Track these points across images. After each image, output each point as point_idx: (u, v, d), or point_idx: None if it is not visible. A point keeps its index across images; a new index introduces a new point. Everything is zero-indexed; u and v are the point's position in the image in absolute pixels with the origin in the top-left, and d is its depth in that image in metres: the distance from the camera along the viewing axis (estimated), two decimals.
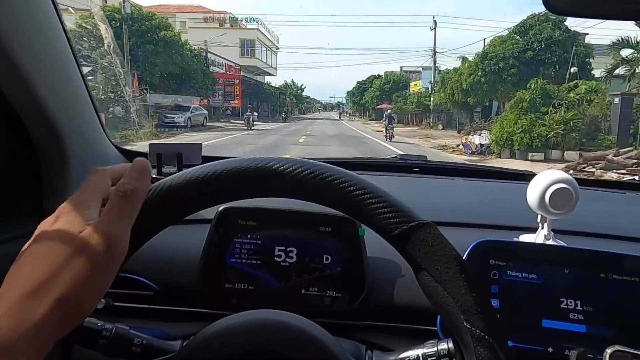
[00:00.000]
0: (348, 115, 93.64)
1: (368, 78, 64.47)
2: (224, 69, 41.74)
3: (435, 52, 34.31)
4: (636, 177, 1.31)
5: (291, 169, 0.42)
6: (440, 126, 31.98)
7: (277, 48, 66.92)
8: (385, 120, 21.60)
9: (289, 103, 77.93)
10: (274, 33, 63.36)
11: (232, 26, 52.56)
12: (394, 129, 21.06)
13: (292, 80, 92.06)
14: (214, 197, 0.44)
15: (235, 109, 38.75)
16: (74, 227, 0.39)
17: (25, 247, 0.41)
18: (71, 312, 0.37)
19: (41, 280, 0.36)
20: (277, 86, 68.48)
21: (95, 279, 0.38)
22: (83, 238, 0.39)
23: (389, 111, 23.20)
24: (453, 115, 30.89)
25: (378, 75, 60.12)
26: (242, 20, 54.13)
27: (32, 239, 0.41)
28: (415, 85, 42.92)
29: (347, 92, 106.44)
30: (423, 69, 42.51)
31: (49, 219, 0.42)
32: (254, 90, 47.83)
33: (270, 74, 66.09)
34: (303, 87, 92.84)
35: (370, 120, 54.28)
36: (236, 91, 38.89)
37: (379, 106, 46.86)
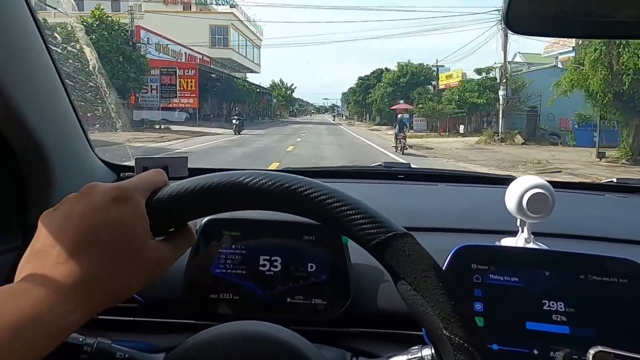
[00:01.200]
0: (344, 118, 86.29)
1: (374, 72, 49.94)
2: (183, 58, 33.20)
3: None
4: (614, 179, 1.32)
5: (272, 184, 0.43)
6: (518, 138, 19.35)
7: (260, 40, 56.91)
8: (395, 127, 16.95)
9: (275, 105, 71.97)
10: (256, 24, 53.82)
11: (200, 10, 43.04)
12: (407, 137, 16.81)
13: (281, 80, 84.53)
14: (196, 212, 0.45)
15: (196, 111, 28.85)
16: (138, 227, 0.41)
17: (78, 213, 0.40)
18: (108, 303, 0.39)
19: (103, 270, 0.38)
20: (259, 84, 55.27)
21: (138, 284, 0.41)
22: (150, 252, 0.41)
23: (402, 115, 18.66)
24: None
25: (387, 68, 46.19)
26: (212, 3, 44.19)
27: (94, 208, 0.40)
28: (450, 76, 30.71)
29: (343, 94, 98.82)
30: (438, 66, 33.60)
31: (102, 194, 0.41)
32: (225, 88, 36.24)
33: (252, 71, 56.08)
34: (293, 87, 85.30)
35: (377, 125, 42.30)
36: (191, 86, 27.54)
37: (394, 107, 32.96)
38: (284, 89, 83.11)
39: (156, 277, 0.42)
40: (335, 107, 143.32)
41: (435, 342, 0.43)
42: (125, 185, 0.42)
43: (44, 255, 0.38)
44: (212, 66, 36.60)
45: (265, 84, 71.62)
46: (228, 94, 36.97)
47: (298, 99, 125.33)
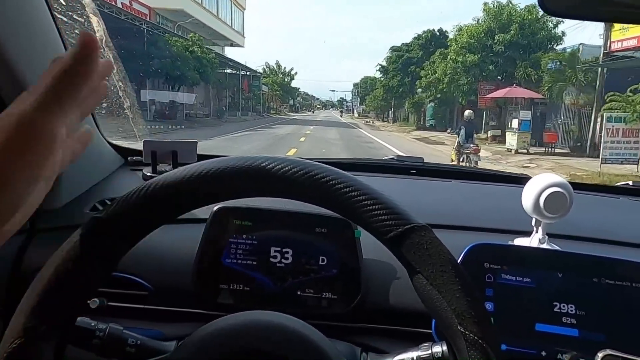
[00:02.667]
0: (356, 115, 72.84)
1: (420, 37, 30.54)
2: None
3: None
4: (630, 183, 1.31)
5: (285, 168, 0.42)
6: None
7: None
8: (458, 133, 10.71)
9: (269, 95, 56.58)
10: None
11: None
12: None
13: (278, 63, 68.47)
14: (208, 196, 0.44)
15: None
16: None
17: None
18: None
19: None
20: (244, 64, 38.64)
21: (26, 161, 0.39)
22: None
23: (470, 113, 11.09)
24: None
25: (444, 31, 28.25)
26: None
27: None
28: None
29: (355, 85, 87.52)
30: None
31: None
32: (165, 59, 20.61)
33: (231, 42, 39.56)
34: (293, 72, 69.82)
35: (419, 129, 27.55)
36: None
37: (493, 95, 18.44)
38: (280, 75, 66.87)
39: (45, 140, 0.39)
40: (344, 102, 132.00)
41: (449, 338, 0.42)
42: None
43: None
44: (150, 20, 22.73)
45: (254, 64, 59.06)
46: (174, 71, 21.25)
47: (300, 91, 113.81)
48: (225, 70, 33.35)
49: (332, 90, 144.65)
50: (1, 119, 0.38)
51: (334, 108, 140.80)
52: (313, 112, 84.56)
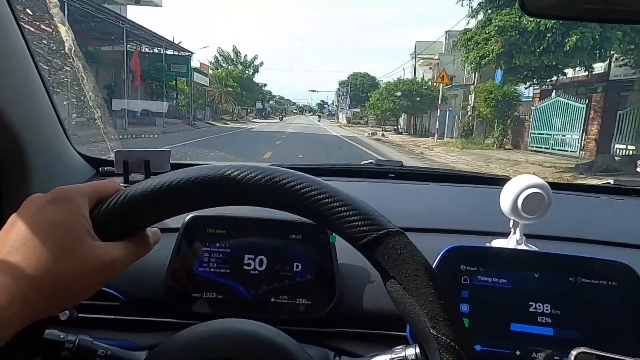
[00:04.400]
0: (344, 121, 57.65)
1: None
2: None
3: None
4: (610, 181, 1.31)
5: (256, 177, 0.42)
6: None
7: None
8: None
9: (216, 94, 38.87)
10: None
11: None
12: None
13: (236, 50, 47.73)
14: (178, 206, 0.44)
15: None
16: (77, 226, 0.40)
17: (11, 222, 0.41)
18: (51, 305, 0.39)
19: (39, 268, 0.37)
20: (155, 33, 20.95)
21: (85, 287, 0.40)
22: (91, 251, 0.40)
23: None
24: None
25: None
26: None
27: (30, 211, 0.41)
28: None
29: (341, 83, 68.38)
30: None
31: (36, 200, 0.42)
32: None
33: None
34: (255, 62, 47.63)
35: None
36: None
37: None
38: (239, 66, 47.53)
39: (104, 280, 0.41)
40: (325, 105, 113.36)
41: (422, 341, 0.42)
42: (64, 187, 0.42)
43: None
44: None
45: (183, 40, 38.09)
46: None
47: (273, 94, 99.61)
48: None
49: (312, 91, 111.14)
50: (89, 251, 0.40)
51: (312, 113, 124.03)
52: (281, 120, 62.17)
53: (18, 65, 0.77)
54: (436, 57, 31.94)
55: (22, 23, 0.79)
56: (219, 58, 49.58)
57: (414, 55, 40.62)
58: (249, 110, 63.11)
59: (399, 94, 28.41)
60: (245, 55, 51.06)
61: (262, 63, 51.38)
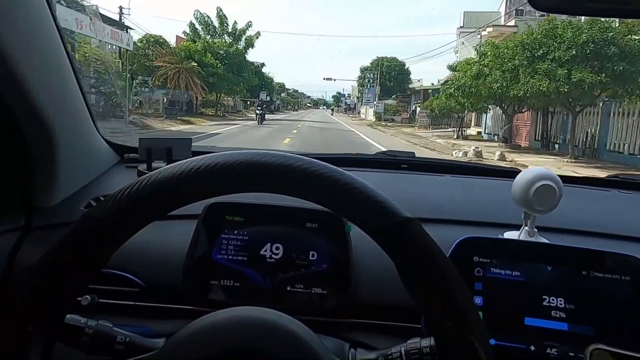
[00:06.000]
0: (372, 117, 41.50)
1: None
2: None
3: None
4: (619, 175, 1.32)
5: (278, 163, 0.42)
6: None
7: None
8: None
9: (187, 78, 24.60)
10: None
11: None
12: None
13: (220, 14, 33.38)
14: (196, 193, 0.44)
15: None
16: None
17: None
18: None
19: None
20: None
21: None
22: None
23: None
24: None
25: None
26: None
27: None
28: None
29: (362, 70, 53.98)
30: None
31: None
32: None
33: None
34: (251, 33, 33.86)
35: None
36: None
37: None
38: (225, 37, 33.44)
39: None
40: (342, 97, 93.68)
41: (437, 332, 0.42)
42: None
43: None
44: None
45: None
46: None
47: (288, 88, 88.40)
48: None
49: (328, 79, 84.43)
50: None
51: (327, 107, 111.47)
52: (297, 114, 54.05)
53: (52, 55, 0.80)
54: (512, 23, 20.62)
55: (58, 21, 0.81)
56: (198, 27, 33.60)
57: (462, 30, 31.70)
58: (248, 102, 49.55)
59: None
60: (235, 22, 34.59)
61: (258, 34, 34.12)
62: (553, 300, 0.67)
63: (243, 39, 34.72)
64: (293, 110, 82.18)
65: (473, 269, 0.69)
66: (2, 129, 0.78)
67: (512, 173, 1.16)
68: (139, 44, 25.94)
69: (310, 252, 0.76)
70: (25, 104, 0.74)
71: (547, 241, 0.75)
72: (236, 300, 0.68)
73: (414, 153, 1.36)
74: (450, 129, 24.75)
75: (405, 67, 50.48)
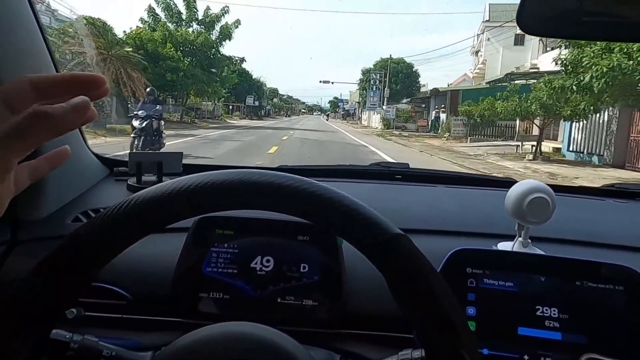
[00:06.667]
0: (379, 124, 35.93)
1: None
2: None
3: None
4: (614, 185, 1.31)
5: (267, 182, 0.43)
6: None
7: None
8: None
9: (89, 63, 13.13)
10: None
11: None
12: None
13: (190, 1, 25.84)
14: (185, 213, 0.44)
15: None
16: None
17: None
18: None
19: None
20: None
21: None
22: None
23: None
24: None
25: None
26: None
27: None
28: None
29: (364, 72, 47.88)
30: None
31: None
32: None
33: None
34: (227, 21, 26.77)
35: None
36: None
37: None
38: (194, 25, 26.32)
39: None
40: (340, 103, 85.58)
41: (427, 345, 0.42)
42: None
43: None
44: None
45: None
46: None
47: (282, 94, 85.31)
48: None
49: (325, 82, 72.44)
50: None
51: (321, 113, 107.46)
52: (289, 120, 51.30)
53: (39, 69, 0.80)
54: None
55: (47, 35, 0.81)
56: (160, 14, 26.02)
57: (488, 24, 29.96)
58: (231, 107, 46.00)
59: None
60: (207, 8, 27.51)
61: (237, 22, 27.30)
62: (547, 310, 0.67)
63: (217, 27, 27.43)
64: (285, 116, 76.17)
65: (466, 280, 0.69)
66: None
67: (505, 183, 1.19)
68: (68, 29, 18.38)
69: (302, 265, 0.75)
70: None
71: (541, 252, 0.76)
72: (225, 313, 0.70)
73: (408, 164, 1.35)
74: (499, 142, 17.56)
75: (414, 70, 45.76)
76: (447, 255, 0.69)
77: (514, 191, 0.74)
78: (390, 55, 43.24)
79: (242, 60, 34.22)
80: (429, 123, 29.67)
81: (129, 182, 1.07)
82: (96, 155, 1.12)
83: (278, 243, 0.77)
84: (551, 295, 0.67)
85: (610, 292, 0.66)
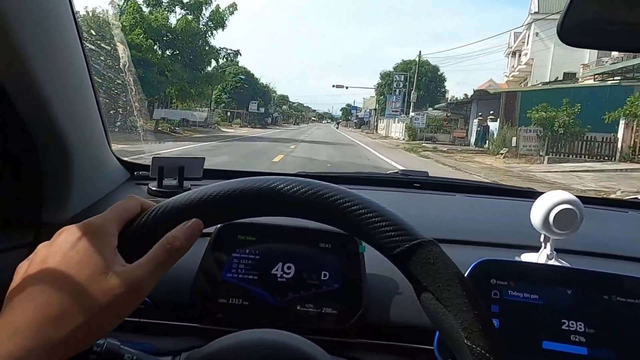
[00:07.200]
0: (402, 134, 30.50)
1: None
2: None
3: None
4: (638, 196, 1.29)
5: (292, 189, 0.43)
6: None
7: None
8: None
9: None
10: None
11: None
12: None
13: None
14: (215, 218, 0.46)
15: None
16: (102, 258, 0.41)
17: (41, 258, 0.41)
18: (83, 340, 0.39)
19: (64, 308, 0.38)
20: None
21: (112, 317, 0.40)
22: (115, 278, 0.40)
23: None
24: None
25: None
26: None
27: (49, 251, 0.42)
28: None
29: (383, 75, 44.20)
30: None
31: (70, 233, 0.42)
32: None
33: None
34: (220, 4, 22.70)
35: None
36: None
37: None
38: (177, 10, 21.15)
39: (134, 305, 0.42)
40: (353, 110, 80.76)
41: (455, 352, 0.42)
42: (93, 221, 0.43)
43: (10, 305, 0.39)
44: None
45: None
46: None
47: (292, 101, 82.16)
48: None
49: (339, 87, 63.72)
50: (111, 280, 0.40)
51: (331, 121, 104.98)
52: (297, 125, 52.33)
53: (74, 75, 0.81)
54: None
55: (85, 42, 0.83)
56: None
57: (537, 16, 24.83)
58: (229, 113, 40.78)
59: None
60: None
61: (233, 7, 22.67)
62: (573, 324, 0.66)
63: (207, 12, 22.10)
64: (293, 124, 71.82)
65: (490, 292, 0.68)
66: (15, 141, 0.77)
67: (527, 193, 1.18)
68: None
69: (322, 272, 0.75)
70: (42, 118, 0.74)
71: (566, 264, 0.74)
72: (244, 319, 0.70)
73: (427, 172, 1.34)
74: (594, 163, 11.91)
75: (439, 73, 41.32)
76: (470, 265, 0.68)
77: (540, 202, 0.72)
78: (420, 52, 37.72)
79: (237, 53, 25.65)
80: (473, 134, 23.18)
81: (149, 187, 1.09)
82: (118, 158, 1.13)
83: (299, 250, 0.76)
84: (577, 309, 0.66)
85: (638, 307, 0.65)
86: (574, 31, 0.56)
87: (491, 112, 20.60)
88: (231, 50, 24.98)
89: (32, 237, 0.82)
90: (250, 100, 42.13)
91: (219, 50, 23.71)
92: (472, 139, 22.64)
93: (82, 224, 0.42)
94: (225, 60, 26.38)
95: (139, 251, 0.42)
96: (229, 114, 40.98)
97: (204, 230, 0.67)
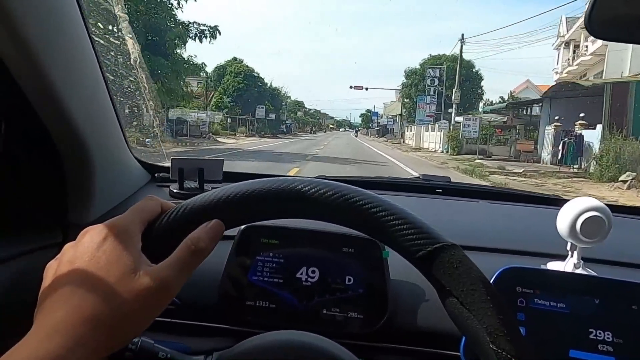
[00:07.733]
0: (434, 145, 25.38)
1: None
2: None
3: None
4: None
5: (315, 190, 0.43)
6: None
7: None
8: None
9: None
10: None
11: None
12: None
13: None
14: (236, 219, 0.46)
15: None
16: (130, 259, 0.41)
17: (69, 259, 0.42)
18: (118, 339, 0.40)
19: (97, 309, 0.39)
20: None
21: (144, 317, 0.41)
22: (144, 278, 0.41)
23: None
24: None
25: None
26: None
27: (76, 251, 0.42)
28: None
29: (409, 74, 37.45)
30: None
31: (94, 234, 0.43)
32: None
33: None
34: None
35: None
36: None
37: None
38: None
39: (163, 304, 0.42)
40: (374, 116, 73.48)
41: (481, 357, 0.42)
42: (117, 222, 0.43)
43: (44, 306, 0.40)
44: None
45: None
46: None
47: (308, 108, 76.99)
48: None
49: (357, 88, 50.80)
50: (140, 280, 0.41)
51: (350, 129, 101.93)
52: (313, 133, 47.44)
53: (88, 75, 0.82)
54: None
55: (93, 36, 0.82)
56: None
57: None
58: (231, 120, 35.64)
59: None
60: None
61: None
62: (600, 333, 0.65)
63: None
64: (310, 132, 70.12)
65: (516, 299, 0.68)
66: (39, 145, 0.79)
67: (551, 201, 1.18)
68: None
69: (347, 277, 0.75)
70: (63, 122, 0.76)
71: (594, 273, 0.73)
72: (271, 322, 0.70)
73: (449, 178, 1.33)
74: None
75: (475, 71, 34.32)
76: (496, 273, 0.68)
77: (567, 209, 0.71)
78: (463, 34, 27.13)
79: (215, 30, 19.21)
80: (546, 145, 16.31)
81: (171, 189, 1.10)
82: (138, 160, 1.15)
83: (323, 254, 0.77)
84: (605, 319, 0.66)
85: None
86: (601, 24, 0.56)
87: (581, 115, 14.83)
88: (206, 26, 19.13)
89: (61, 238, 0.84)
90: (257, 104, 36.54)
91: (188, 25, 17.95)
92: (545, 154, 16.62)
93: (105, 224, 0.43)
94: (197, 39, 19.15)
95: (162, 252, 0.43)
96: (229, 120, 34.65)
97: (227, 233, 0.68)
